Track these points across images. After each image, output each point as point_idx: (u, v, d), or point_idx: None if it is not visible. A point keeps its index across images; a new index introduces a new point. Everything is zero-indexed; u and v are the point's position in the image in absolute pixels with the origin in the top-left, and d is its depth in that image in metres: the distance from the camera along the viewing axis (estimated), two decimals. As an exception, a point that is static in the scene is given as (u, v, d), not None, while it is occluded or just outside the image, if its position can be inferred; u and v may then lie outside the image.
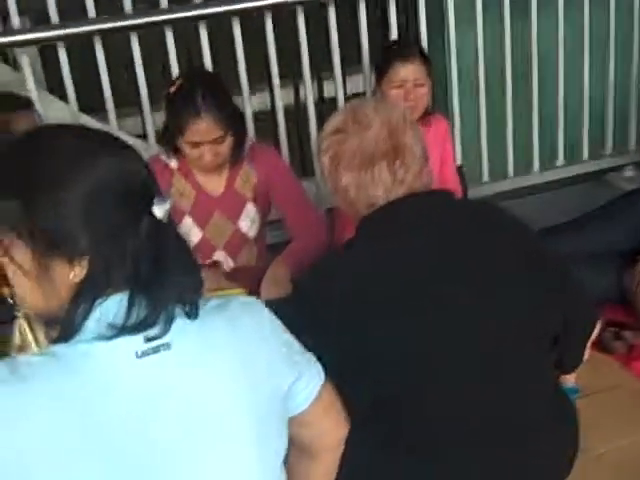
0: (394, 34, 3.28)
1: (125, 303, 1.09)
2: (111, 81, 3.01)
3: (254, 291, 2.33)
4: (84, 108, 3.23)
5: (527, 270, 1.62)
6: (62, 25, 2.87)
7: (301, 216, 2.57)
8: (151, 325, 1.11)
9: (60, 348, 1.09)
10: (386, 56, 2.83)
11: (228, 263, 2.63)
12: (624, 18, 3.56)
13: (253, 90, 3.27)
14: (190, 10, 3.02)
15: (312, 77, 3.32)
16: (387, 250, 1.59)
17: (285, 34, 3.24)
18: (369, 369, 1.55)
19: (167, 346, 1.13)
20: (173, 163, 2.54)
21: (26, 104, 2.27)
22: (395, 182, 1.64)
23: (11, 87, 2.90)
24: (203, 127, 2.36)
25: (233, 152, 2.49)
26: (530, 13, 3.42)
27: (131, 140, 3.28)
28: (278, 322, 1.29)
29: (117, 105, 3.11)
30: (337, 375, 1.39)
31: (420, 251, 1.58)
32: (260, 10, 3.10)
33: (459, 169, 3.14)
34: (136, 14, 2.96)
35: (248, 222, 2.60)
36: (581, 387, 2.23)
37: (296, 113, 3.80)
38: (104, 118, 3.10)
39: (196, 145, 2.40)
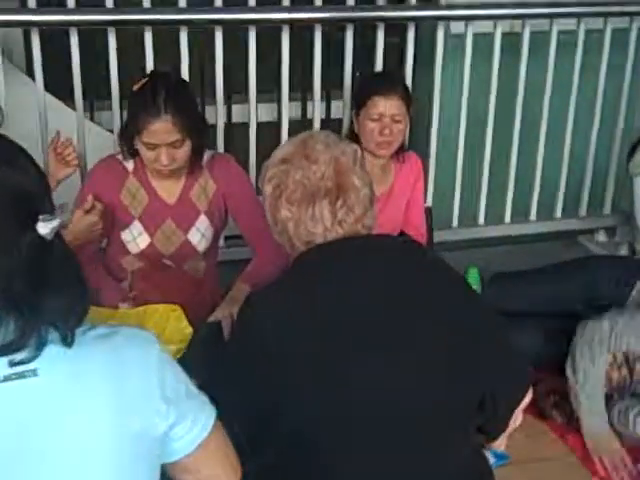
0: (379, 65, 3.23)
1: None
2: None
3: (190, 307, 2.29)
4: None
5: (452, 332, 1.55)
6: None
7: (259, 230, 2.37)
8: (18, 349, 1.04)
9: None
10: (367, 87, 2.78)
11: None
12: (613, 81, 3.53)
13: (262, 100, 3.25)
14: (208, 13, 2.98)
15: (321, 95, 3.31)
16: (315, 294, 1.54)
17: (300, 49, 3.20)
18: (280, 419, 1.48)
19: (33, 372, 1.06)
20: (129, 164, 2.48)
21: None
22: (335, 222, 1.59)
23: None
24: (161, 128, 2.29)
25: (191, 159, 2.42)
26: (520, 66, 3.38)
27: (105, 133, 3.25)
28: (168, 361, 1.21)
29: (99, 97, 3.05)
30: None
31: (347, 299, 1.52)
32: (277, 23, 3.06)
33: (427, 210, 3.09)
34: (150, 10, 2.91)
35: (198, 235, 2.53)
36: (512, 454, 2.17)
37: (301, 128, 3.76)
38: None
39: (152, 147, 2.33)
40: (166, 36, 3.04)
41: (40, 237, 1.06)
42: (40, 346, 1.06)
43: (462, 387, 1.54)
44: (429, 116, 3.36)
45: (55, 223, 1.08)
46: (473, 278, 3.00)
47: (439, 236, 3.28)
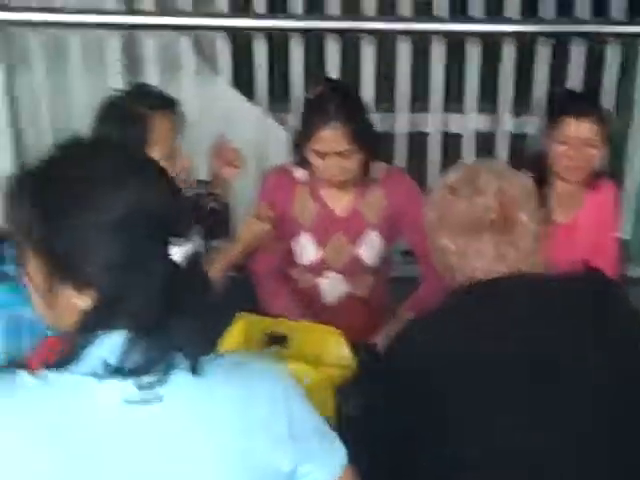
0: (575, 82, 3.05)
1: (125, 343, 1.03)
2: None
3: (354, 326, 2.26)
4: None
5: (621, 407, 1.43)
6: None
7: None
8: (147, 372, 1.03)
9: (54, 374, 1.05)
10: (558, 107, 2.62)
11: (341, 287, 2.54)
12: None
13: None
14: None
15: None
16: (479, 333, 1.45)
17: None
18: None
19: (159, 398, 1.04)
20: (300, 174, 2.46)
21: (167, 104, 2.16)
22: (497, 257, 1.50)
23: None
24: (330, 135, 2.27)
25: (361, 171, 2.37)
26: None
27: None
28: (298, 396, 1.17)
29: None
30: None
31: (514, 340, 1.43)
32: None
33: (620, 242, 2.89)
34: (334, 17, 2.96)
35: (369, 249, 2.48)
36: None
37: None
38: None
39: (322, 155, 2.30)
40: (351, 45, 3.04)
41: (172, 262, 1.05)
42: (168, 371, 1.05)
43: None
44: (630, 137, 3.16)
45: (186, 248, 1.06)
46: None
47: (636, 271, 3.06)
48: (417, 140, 3.32)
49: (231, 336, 2.09)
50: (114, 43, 2.85)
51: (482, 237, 1.51)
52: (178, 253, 1.06)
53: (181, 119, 2.22)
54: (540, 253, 1.56)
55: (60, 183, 1.06)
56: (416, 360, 1.48)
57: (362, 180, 2.42)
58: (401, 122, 3.08)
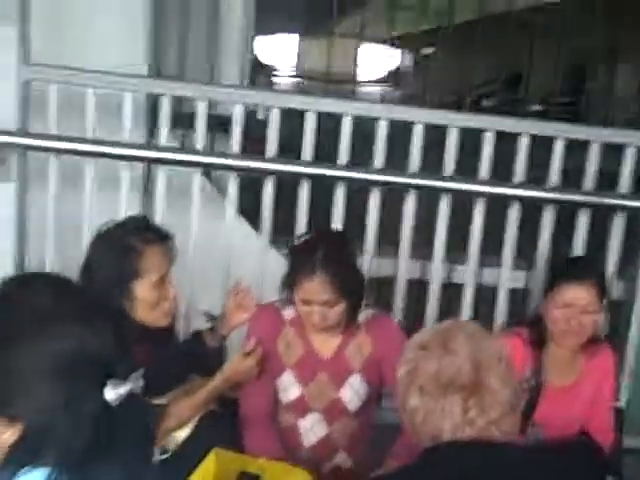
0: (578, 249, 3.08)
1: None
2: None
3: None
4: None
5: None
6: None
7: None
8: None
9: None
10: (557, 272, 2.63)
11: (320, 429, 2.50)
12: None
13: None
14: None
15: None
16: None
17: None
18: None
19: None
20: (288, 313, 2.49)
21: (161, 238, 2.26)
22: (465, 421, 1.47)
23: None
24: (315, 287, 2.30)
25: (346, 317, 2.39)
26: None
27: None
28: None
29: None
30: None
31: None
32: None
33: (618, 412, 2.82)
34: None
35: (351, 393, 2.46)
36: None
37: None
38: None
39: (307, 302, 2.34)
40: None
41: (106, 403, 1.06)
42: None
43: None
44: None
45: (122, 390, 1.07)
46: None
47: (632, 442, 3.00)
48: (418, 288, 3.35)
49: (202, 470, 2.06)
50: (130, 173, 2.96)
51: (450, 398, 1.49)
52: (113, 394, 1.07)
53: (174, 250, 2.30)
54: (513, 423, 1.53)
55: (6, 320, 1.07)
56: None
57: (347, 325, 2.43)
58: (403, 268, 3.12)
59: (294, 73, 5.99)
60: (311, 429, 2.50)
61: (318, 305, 2.33)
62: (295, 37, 10.11)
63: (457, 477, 1.46)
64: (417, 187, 3.03)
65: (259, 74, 9.48)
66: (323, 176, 3.01)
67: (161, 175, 2.98)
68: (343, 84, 4.75)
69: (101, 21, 3.07)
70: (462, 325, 1.64)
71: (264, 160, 2.98)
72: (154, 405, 2.21)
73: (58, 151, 2.86)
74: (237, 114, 2.93)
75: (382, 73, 8.72)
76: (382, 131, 3.00)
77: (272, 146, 2.98)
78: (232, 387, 2.39)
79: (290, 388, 2.48)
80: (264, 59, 7.21)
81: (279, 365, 2.48)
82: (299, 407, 2.49)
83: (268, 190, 2.98)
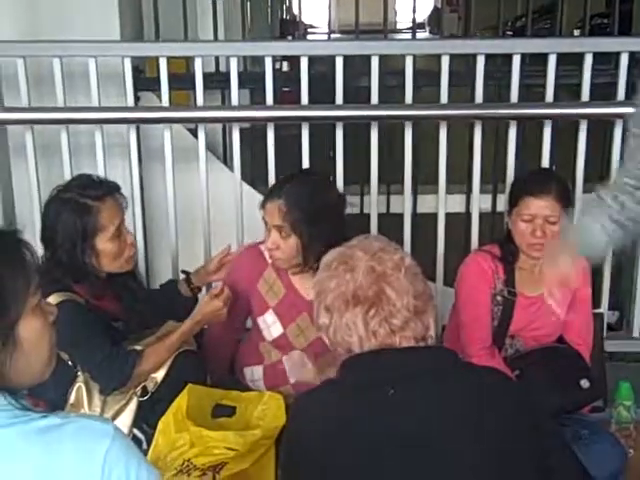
0: (545, 161, 3.11)
1: None
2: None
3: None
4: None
5: (505, 464, 1.45)
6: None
7: None
8: None
9: None
10: (519, 186, 2.67)
11: (305, 364, 2.59)
12: None
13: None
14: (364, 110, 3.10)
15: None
16: (354, 410, 1.51)
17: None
18: None
19: None
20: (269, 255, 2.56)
21: (111, 190, 2.36)
22: (369, 332, 1.56)
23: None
24: (271, 208, 2.42)
25: (303, 257, 2.45)
26: None
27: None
28: (121, 454, 1.18)
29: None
30: None
31: (385, 419, 1.48)
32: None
33: (598, 317, 2.87)
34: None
35: (331, 332, 2.55)
36: None
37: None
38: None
39: (266, 224, 2.45)
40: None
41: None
42: None
43: None
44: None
45: None
46: (625, 393, 2.73)
47: (615, 346, 3.06)
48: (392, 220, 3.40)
49: (175, 407, 2.20)
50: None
51: (353, 312, 1.57)
52: None
53: (124, 200, 2.42)
54: (422, 327, 1.61)
55: None
56: (300, 437, 1.54)
57: (304, 265, 2.48)
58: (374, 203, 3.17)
59: (329, 29, 5.97)
60: (296, 365, 2.58)
61: (273, 230, 2.42)
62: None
63: (365, 386, 1.53)
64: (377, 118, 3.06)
65: (294, 31, 9.54)
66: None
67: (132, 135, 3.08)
68: (379, 34, 4.74)
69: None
70: (363, 241, 1.70)
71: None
72: (130, 350, 2.35)
73: (33, 122, 2.98)
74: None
75: (419, 18, 8.59)
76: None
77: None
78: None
79: (273, 326, 2.58)
80: (302, 17, 7.10)
81: (262, 304, 2.57)
82: (283, 344, 2.58)
83: (236, 135, 3.05)
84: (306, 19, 9.37)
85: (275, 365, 2.61)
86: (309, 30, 11.26)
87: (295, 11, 9.30)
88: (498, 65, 3.50)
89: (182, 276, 2.76)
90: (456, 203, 3.69)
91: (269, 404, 2.25)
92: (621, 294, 3.32)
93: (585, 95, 3.01)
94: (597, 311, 2.92)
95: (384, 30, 4.32)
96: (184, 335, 2.41)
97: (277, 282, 2.57)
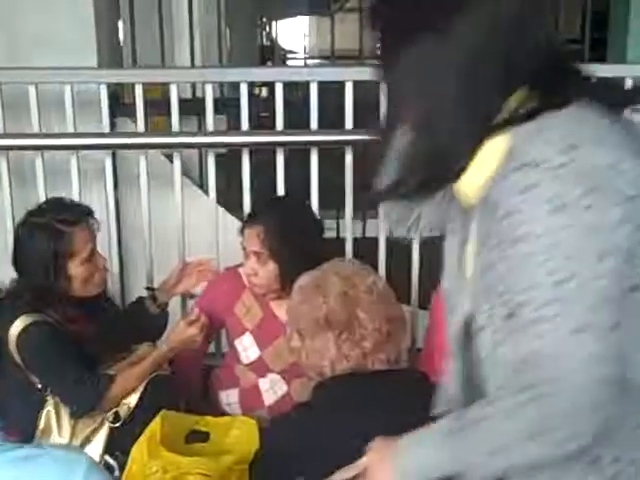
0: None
1: None
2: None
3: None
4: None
5: None
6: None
7: None
8: None
9: None
10: None
11: (281, 389, 2.60)
12: None
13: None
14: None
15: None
16: (326, 429, 1.55)
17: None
18: None
19: None
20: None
21: (84, 215, 2.38)
22: (340, 356, 1.57)
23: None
24: (249, 234, 2.45)
25: (278, 283, 2.46)
26: None
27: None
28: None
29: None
30: None
31: (351, 436, 1.48)
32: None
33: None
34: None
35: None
36: None
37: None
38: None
39: (244, 250, 2.46)
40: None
41: None
42: None
43: None
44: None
45: None
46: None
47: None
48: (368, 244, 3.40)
49: (149, 433, 2.19)
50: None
51: (324, 336, 1.60)
52: None
53: (97, 224, 2.44)
54: (394, 350, 1.62)
55: None
56: (274, 459, 1.61)
57: (281, 291, 2.49)
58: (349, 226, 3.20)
59: (307, 54, 6.00)
60: (271, 388, 2.60)
61: (251, 255, 2.44)
62: (305, 18, 10.01)
63: (337, 409, 1.56)
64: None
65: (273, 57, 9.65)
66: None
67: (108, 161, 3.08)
68: (354, 59, 4.78)
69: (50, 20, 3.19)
70: (337, 265, 1.73)
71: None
72: (103, 374, 2.35)
73: (7, 148, 2.98)
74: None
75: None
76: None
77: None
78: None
79: (250, 349, 2.59)
80: (281, 43, 7.15)
81: (239, 327, 2.59)
82: (259, 368, 2.59)
83: (211, 161, 3.07)
84: (286, 45, 9.39)
85: (251, 389, 2.61)
86: (289, 56, 11.34)
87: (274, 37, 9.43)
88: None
89: (147, 293, 2.76)
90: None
91: (242, 428, 2.24)
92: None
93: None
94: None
95: (360, 56, 4.36)
96: (157, 361, 2.41)
97: (255, 305, 2.58)
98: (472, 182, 1.09)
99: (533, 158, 1.01)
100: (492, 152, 1.06)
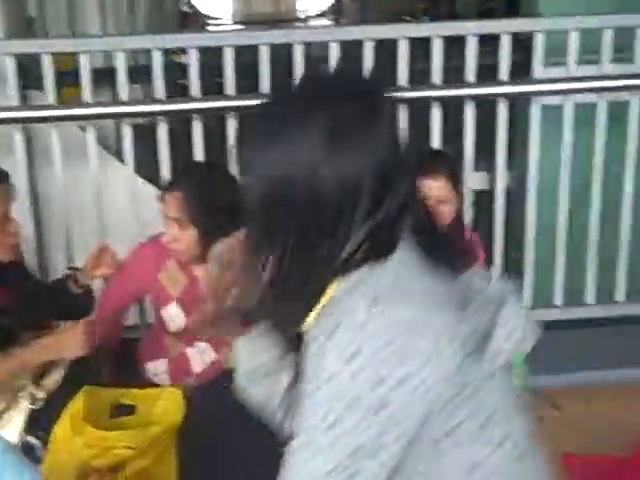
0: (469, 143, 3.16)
1: None
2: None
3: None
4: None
5: None
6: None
7: None
8: None
9: None
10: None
11: (209, 356, 2.60)
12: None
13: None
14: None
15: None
16: None
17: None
18: None
19: None
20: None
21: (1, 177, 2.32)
22: None
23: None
24: (170, 201, 2.42)
25: (200, 249, 2.42)
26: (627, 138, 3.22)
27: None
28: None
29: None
30: None
31: None
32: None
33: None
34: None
35: (235, 323, 2.56)
36: None
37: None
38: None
39: (165, 218, 2.44)
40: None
41: None
42: None
43: None
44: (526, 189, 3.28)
45: None
46: (517, 361, 2.81)
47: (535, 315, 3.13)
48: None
49: (71, 410, 2.17)
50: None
51: None
52: None
53: (12, 188, 2.37)
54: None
55: None
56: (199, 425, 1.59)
57: (202, 258, 2.44)
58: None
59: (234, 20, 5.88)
60: (200, 356, 2.60)
61: (171, 222, 2.42)
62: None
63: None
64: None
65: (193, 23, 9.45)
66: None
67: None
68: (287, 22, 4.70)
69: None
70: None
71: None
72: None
73: None
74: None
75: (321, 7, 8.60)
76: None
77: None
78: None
79: (177, 318, 2.57)
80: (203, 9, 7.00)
81: (165, 296, 2.57)
82: (186, 336, 2.58)
83: (127, 131, 3.01)
84: (206, 11, 9.21)
85: (180, 357, 2.61)
86: (210, 22, 11.11)
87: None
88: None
89: (67, 272, 2.69)
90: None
91: (169, 399, 2.24)
92: (515, 267, 3.41)
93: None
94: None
95: (284, 20, 4.31)
96: (26, 359, 2.29)
97: (179, 273, 2.56)
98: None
99: (344, 308, 1.10)
100: (324, 296, 1.15)
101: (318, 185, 1.10)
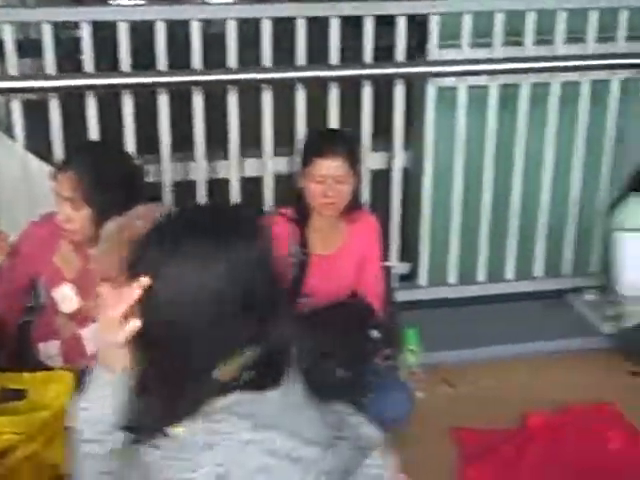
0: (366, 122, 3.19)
1: None
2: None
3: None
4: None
5: None
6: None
7: None
8: None
9: None
10: (309, 148, 2.72)
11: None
12: (595, 134, 3.43)
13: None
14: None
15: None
16: None
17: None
18: None
19: None
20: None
21: None
22: None
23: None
24: (63, 181, 2.35)
25: (95, 228, 2.32)
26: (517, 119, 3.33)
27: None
28: None
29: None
30: None
31: None
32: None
33: (386, 269, 3.00)
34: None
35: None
36: None
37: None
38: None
39: (58, 198, 2.37)
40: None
41: None
42: None
43: None
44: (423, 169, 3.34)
45: None
46: (412, 339, 2.90)
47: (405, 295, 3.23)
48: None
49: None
50: None
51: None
52: None
53: None
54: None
55: None
56: None
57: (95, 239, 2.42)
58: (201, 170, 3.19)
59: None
60: (93, 338, 2.53)
61: (65, 202, 2.36)
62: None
63: None
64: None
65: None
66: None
67: None
68: None
69: None
70: (143, 209, 1.72)
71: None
72: None
73: None
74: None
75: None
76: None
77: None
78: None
79: (70, 300, 2.52)
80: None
81: (58, 276, 2.51)
82: (80, 318, 2.53)
83: (16, 106, 2.92)
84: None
85: (73, 339, 2.56)
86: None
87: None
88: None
89: None
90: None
91: (62, 382, 2.21)
92: (412, 245, 3.48)
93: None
94: (386, 264, 3.05)
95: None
96: None
97: (73, 254, 2.51)
98: None
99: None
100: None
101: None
